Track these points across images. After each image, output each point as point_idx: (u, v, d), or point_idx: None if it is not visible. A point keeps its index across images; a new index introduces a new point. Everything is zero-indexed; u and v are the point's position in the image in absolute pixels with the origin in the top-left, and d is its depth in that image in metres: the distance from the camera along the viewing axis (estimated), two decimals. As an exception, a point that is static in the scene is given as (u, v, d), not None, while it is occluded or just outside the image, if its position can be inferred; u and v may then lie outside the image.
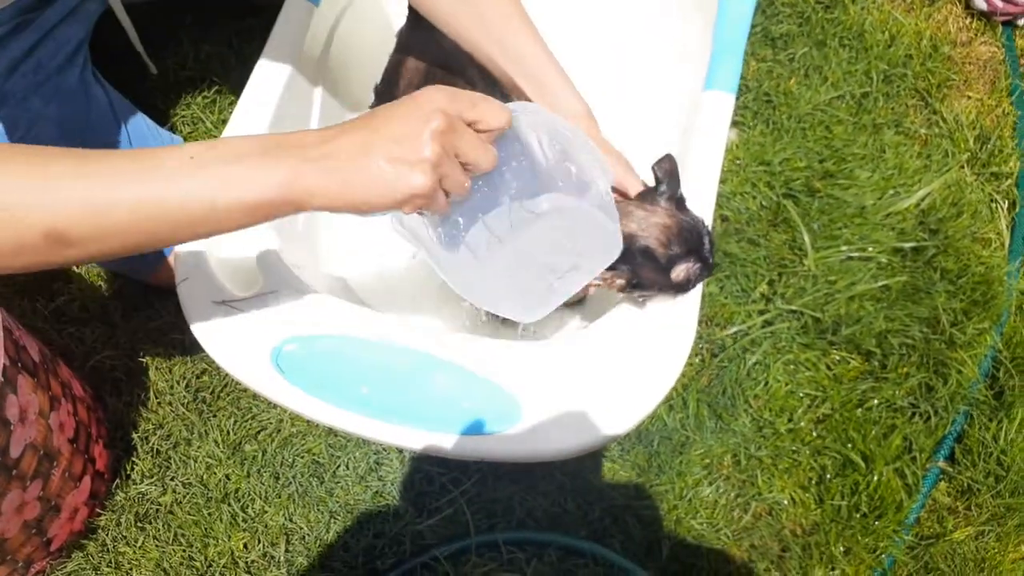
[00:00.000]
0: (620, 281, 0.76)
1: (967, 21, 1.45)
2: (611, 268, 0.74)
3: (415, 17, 1.01)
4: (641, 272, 0.75)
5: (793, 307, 1.15)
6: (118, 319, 1.14)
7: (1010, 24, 1.43)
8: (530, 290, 0.74)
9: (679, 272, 0.76)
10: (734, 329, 1.14)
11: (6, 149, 0.57)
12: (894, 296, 1.15)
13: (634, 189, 0.82)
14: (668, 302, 0.81)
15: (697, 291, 0.82)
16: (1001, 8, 1.40)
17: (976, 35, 1.43)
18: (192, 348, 1.12)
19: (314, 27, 1.05)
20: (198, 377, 1.12)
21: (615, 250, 0.72)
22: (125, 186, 0.57)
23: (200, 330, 0.82)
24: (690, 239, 0.76)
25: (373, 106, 1.12)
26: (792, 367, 1.13)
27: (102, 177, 0.57)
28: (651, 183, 0.81)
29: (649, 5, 1.25)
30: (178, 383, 1.11)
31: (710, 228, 0.80)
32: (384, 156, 0.58)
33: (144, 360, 1.12)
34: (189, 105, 1.30)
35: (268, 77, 0.98)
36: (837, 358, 1.13)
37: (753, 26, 1.38)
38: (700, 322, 1.16)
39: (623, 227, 0.74)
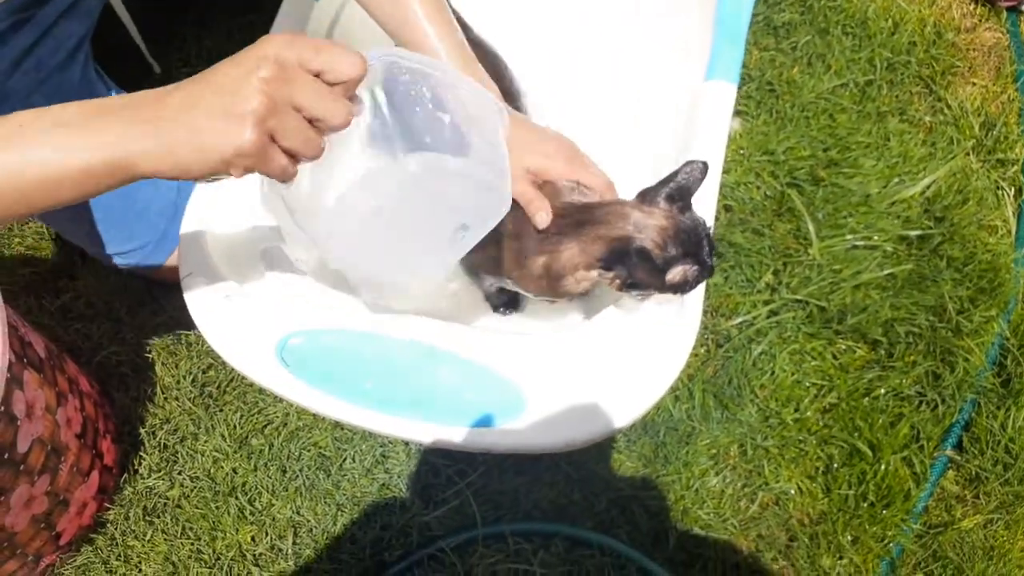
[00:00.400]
0: (617, 281, 0.76)
1: (971, 7, 1.44)
2: (608, 268, 0.75)
3: None
4: (636, 273, 0.74)
5: (798, 297, 1.14)
6: (123, 315, 1.15)
7: (1015, 10, 1.42)
8: (418, 252, 0.70)
9: (675, 274, 0.76)
10: (739, 319, 1.14)
11: None
12: (900, 284, 1.15)
13: (586, 177, 0.81)
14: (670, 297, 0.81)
15: (700, 289, 0.82)
16: (1006, -7, 1.40)
17: (980, 21, 1.42)
18: (198, 343, 1.13)
19: (314, 20, 1.05)
20: (204, 372, 1.12)
21: (504, 206, 0.68)
22: None
23: (205, 325, 0.82)
24: (688, 241, 0.76)
25: None
26: (798, 356, 1.13)
27: None
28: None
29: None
30: (184, 378, 1.11)
31: (711, 228, 0.80)
32: (206, 111, 0.53)
33: (150, 355, 1.13)
34: (192, 101, 1.30)
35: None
36: (843, 347, 1.13)
37: (755, 15, 1.38)
38: (705, 312, 1.16)
39: (620, 229, 0.75)
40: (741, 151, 1.27)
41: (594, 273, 0.76)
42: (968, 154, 1.28)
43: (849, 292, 1.14)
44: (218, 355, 0.81)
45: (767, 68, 1.35)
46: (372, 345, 0.82)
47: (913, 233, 1.19)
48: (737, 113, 1.31)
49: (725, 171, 1.20)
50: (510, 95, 0.99)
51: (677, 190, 0.78)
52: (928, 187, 1.22)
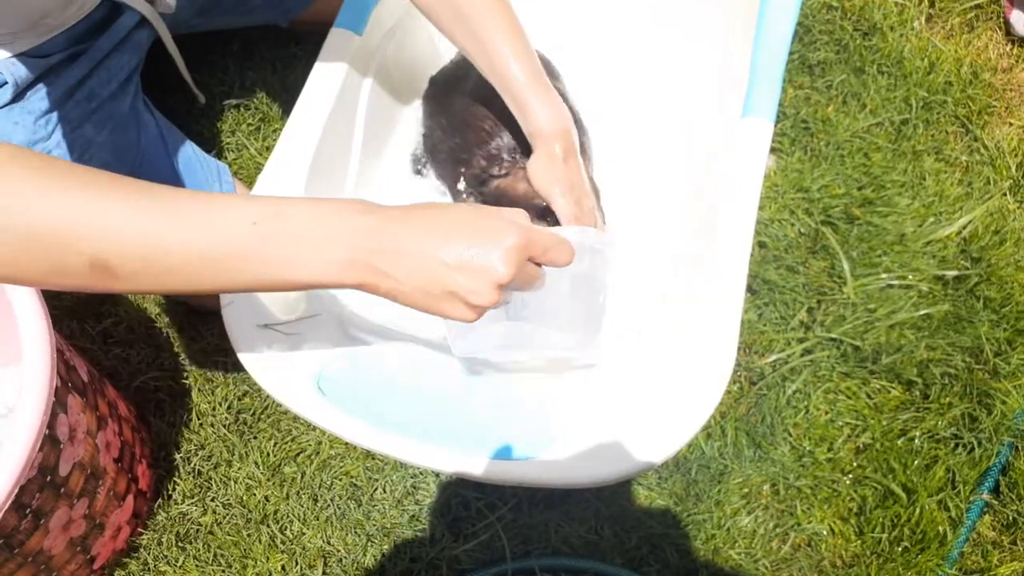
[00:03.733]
0: None
1: (1008, 47, 1.44)
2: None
3: None
4: None
5: (833, 335, 1.14)
6: (163, 341, 1.17)
7: (1053, 50, 1.42)
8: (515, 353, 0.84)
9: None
10: (773, 357, 1.13)
11: (67, 168, 0.55)
12: (936, 325, 1.14)
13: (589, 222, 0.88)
14: (708, 329, 0.81)
15: (736, 318, 0.82)
16: (1043, 34, 1.39)
17: (1017, 61, 1.42)
18: (234, 369, 1.14)
19: (354, 56, 1.07)
20: (240, 399, 1.14)
21: (596, 358, 0.85)
22: (181, 232, 0.55)
23: (244, 353, 0.84)
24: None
25: (427, 94, 1.14)
26: (832, 396, 1.12)
27: (160, 218, 0.55)
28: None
29: (685, 27, 1.26)
30: (220, 404, 1.13)
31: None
32: (443, 289, 0.58)
33: (187, 381, 1.15)
34: (234, 132, 1.34)
35: (311, 106, 1.00)
36: (877, 387, 1.12)
37: (791, 53, 1.39)
38: (739, 350, 1.15)
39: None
40: (776, 188, 1.27)
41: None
42: (1005, 194, 1.27)
43: (884, 332, 1.13)
44: (254, 382, 0.82)
45: (802, 106, 1.36)
46: (408, 375, 0.83)
47: (949, 273, 1.18)
48: (772, 151, 1.31)
49: (760, 208, 1.19)
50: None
51: None
52: (964, 227, 1.22)
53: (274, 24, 1.32)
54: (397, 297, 0.59)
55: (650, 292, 1.10)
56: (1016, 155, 1.31)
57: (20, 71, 0.95)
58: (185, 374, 1.15)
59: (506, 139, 0.98)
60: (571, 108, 0.95)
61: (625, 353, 0.85)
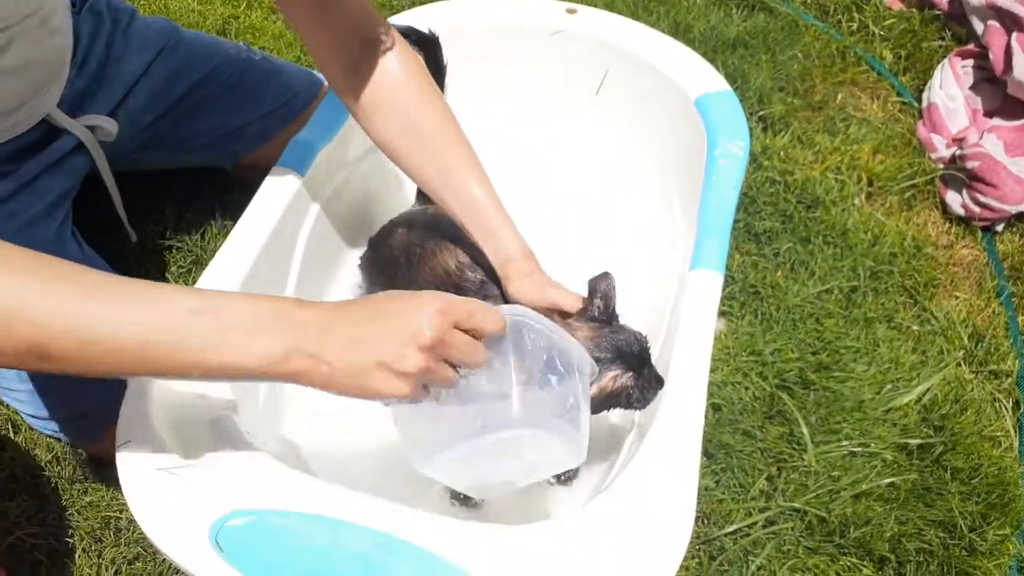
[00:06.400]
0: None
1: (946, 225, 1.48)
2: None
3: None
4: None
5: (796, 505, 1.05)
6: (48, 492, 1.03)
7: (988, 230, 1.46)
8: (487, 474, 0.76)
9: (606, 380, 0.77)
10: (733, 528, 1.04)
11: (11, 251, 0.56)
12: (904, 496, 1.07)
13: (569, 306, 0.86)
14: (661, 495, 0.73)
15: (692, 488, 0.74)
16: (979, 214, 1.44)
17: (957, 239, 1.45)
18: (128, 529, 1.00)
19: (298, 199, 1.03)
20: (130, 563, 0.98)
21: (579, 457, 0.73)
22: (118, 319, 0.57)
23: (134, 498, 0.72)
24: (618, 349, 0.78)
25: (363, 257, 1.09)
26: (799, 574, 1.01)
27: (100, 303, 0.56)
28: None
29: (639, 199, 1.27)
30: (107, 569, 0.97)
31: (647, 343, 0.83)
32: (371, 362, 0.61)
33: (72, 540, 1.00)
34: (163, 273, 1.27)
35: (243, 242, 0.95)
36: (847, 564, 1.02)
37: (736, 221, 1.40)
38: (696, 520, 1.05)
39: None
40: (727, 350, 1.23)
41: None
42: (960, 364, 1.24)
43: (849, 502, 1.06)
44: (149, 544, 0.70)
45: (750, 271, 1.35)
46: (323, 530, 0.71)
47: (913, 442, 1.12)
48: (721, 314, 1.29)
49: (712, 370, 1.15)
50: None
51: (600, 306, 0.83)
52: (923, 395, 1.18)
53: (218, 166, 1.30)
54: (329, 384, 0.62)
55: (604, 448, 1.02)
56: (966, 326, 1.30)
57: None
58: (70, 531, 1.00)
59: (477, 274, 0.96)
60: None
61: (575, 522, 0.75)
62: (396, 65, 0.90)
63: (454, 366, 0.65)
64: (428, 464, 0.71)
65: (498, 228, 0.89)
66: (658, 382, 0.81)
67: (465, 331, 0.64)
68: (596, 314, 0.83)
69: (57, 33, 0.97)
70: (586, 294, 0.87)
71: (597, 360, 0.77)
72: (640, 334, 0.84)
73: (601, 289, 0.84)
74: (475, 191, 0.90)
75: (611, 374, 0.78)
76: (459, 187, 0.90)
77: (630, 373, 0.78)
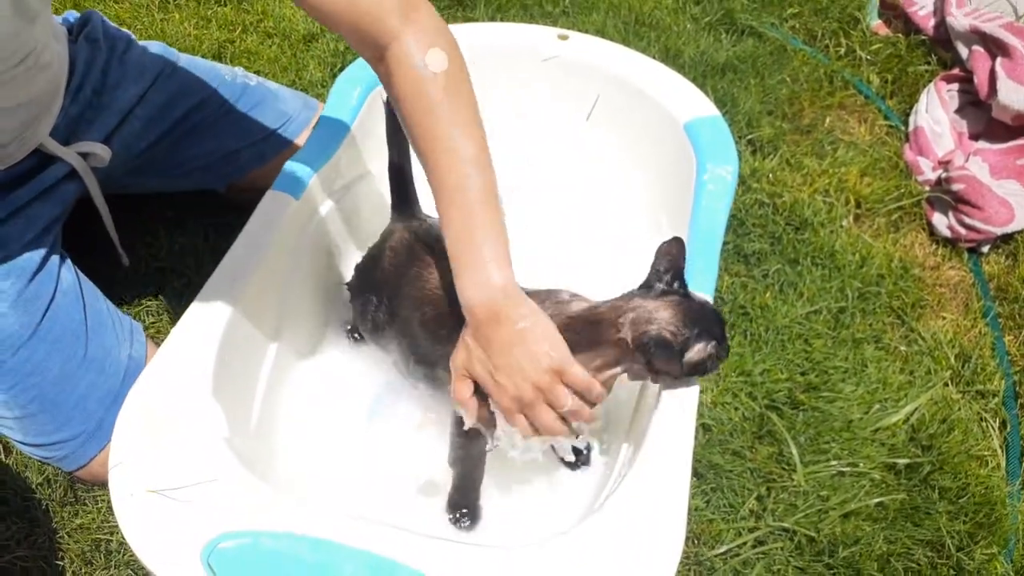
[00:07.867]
0: (637, 367, 0.81)
1: (933, 247, 1.49)
2: (624, 362, 0.80)
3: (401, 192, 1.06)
4: (656, 362, 0.78)
5: (785, 524, 1.06)
6: (39, 514, 1.02)
7: (975, 251, 1.47)
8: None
9: (695, 353, 0.79)
10: (723, 548, 1.04)
11: None
12: (892, 515, 1.07)
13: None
14: (651, 516, 0.74)
15: (682, 508, 0.75)
16: (964, 235, 1.45)
17: (943, 260, 1.47)
18: (119, 551, 1.00)
19: (290, 220, 1.04)
20: (121, 586, 0.98)
21: None
22: None
23: (126, 520, 0.73)
24: (700, 320, 0.80)
25: (351, 284, 1.09)
26: (788, 594, 1.02)
27: None
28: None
29: (628, 223, 1.29)
30: (97, 592, 0.97)
31: (718, 310, 0.85)
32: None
33: (62, 563, 0.99)
34: (156, 295, 1.27)
35: (236, 266, 0.96)
36: (837, 585, 1.03)
37: (725, 243, 1.41)
38: (686, 540, 1.06)
39: (630, 328, 0.79)
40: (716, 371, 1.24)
41: (616, 369, 0.81)
42: (947, 384, 1.26)
43: (839, 522, 1.06)
44: (139, 565, 0.71)
45: (739, 292, 1.36)
46: (318, 553, 0.72)
47: (901, 462, 1.13)
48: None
49: (702, 390, 1.16)
50: None
51: (669, 274, 0.83)
52: (911, 415, 1.19)
53: (211, 189, 1.30)
54: None
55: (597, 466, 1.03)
56: (953, 346, 1.31)
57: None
58: (61, 554, 1.00)
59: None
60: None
61: (567, 543, 0.75)
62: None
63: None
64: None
65: (467, 264, 0.82)
66: (726, 348, 0.83)
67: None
68: (665, 287, 0.83)
69: (48, 67, 0.98)
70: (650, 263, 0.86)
71: (687, 337, 0.79)
72: (707, 300, 0.87)
73: (671, 255, 0.83)
74: (456, 224, 0.83)
75: (700, 345, 0.79)
76: (443, 209, 0.84)
77: (713, 342, 0.80)
